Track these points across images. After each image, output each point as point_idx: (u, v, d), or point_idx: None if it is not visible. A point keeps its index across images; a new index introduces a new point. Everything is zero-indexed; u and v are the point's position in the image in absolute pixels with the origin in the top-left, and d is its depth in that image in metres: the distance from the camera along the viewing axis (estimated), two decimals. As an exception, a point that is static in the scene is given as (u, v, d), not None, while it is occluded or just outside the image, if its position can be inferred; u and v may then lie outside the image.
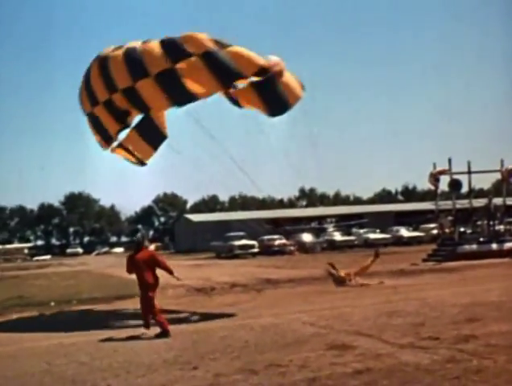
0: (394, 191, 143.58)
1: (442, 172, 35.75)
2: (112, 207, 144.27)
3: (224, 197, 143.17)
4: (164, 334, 13.29)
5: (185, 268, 41.39)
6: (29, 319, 18.23)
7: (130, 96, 15.75)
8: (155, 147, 17.34)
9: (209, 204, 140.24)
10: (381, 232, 67.00)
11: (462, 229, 35.46)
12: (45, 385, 9.23)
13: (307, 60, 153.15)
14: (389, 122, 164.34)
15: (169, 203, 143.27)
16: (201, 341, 12.40)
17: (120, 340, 13.11)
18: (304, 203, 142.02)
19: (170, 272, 14.75)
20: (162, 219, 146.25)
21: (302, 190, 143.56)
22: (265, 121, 17.14)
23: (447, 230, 36.38)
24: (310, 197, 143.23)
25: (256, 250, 57.00)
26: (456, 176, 35.85)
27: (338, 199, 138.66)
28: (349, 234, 67.98)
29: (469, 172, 35.67)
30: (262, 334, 12.83)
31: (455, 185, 35.95)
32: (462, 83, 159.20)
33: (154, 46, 15.63)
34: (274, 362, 9.85)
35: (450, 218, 36.62)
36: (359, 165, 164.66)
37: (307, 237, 63.58)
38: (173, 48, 15.41)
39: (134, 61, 15.60)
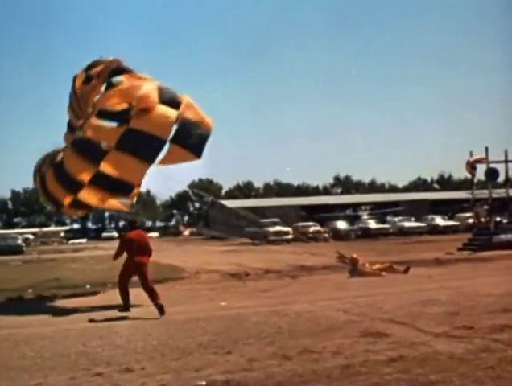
0: (429, 180, 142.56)
1: (479, 160, 35.51)
2: (148, 192, 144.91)
3: (259, 183, 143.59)
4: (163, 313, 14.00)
5: (219, 253, 41.60)
6: (64, 301, 18.41)
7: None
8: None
9: (244, 190, 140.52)
10: (416, 220, 66.62)
11: (498, 219, 35.16)
12: (80, 366, 9.31)
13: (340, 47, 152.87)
14: (426, 109, 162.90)
15: (204, 188, 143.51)
16: (235, 326, 12.44)
17: (154, 323, 13.20)
18: (339, 190, 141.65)
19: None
20: (196, 205, 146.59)
21: (337, 178, 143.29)
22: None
23: (482, 219, 36.15)
24: (345, 184, 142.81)
25: (290, 237, 56.91)
26: (492, 165, 35.56)
27: (373, 187, 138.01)
28: (384, 222, 67.62)
29: (506, 161, 35.33)
30: (295, 320, 12.85)
31: (491, 174, 35.65)
32: (500, 71, 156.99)
33: (71, 155, 16.17)
34: (307, 348, 9.86)
35: (486, 207, 36.34)
36: (395, 152, 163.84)
37: (341, 224, 63.61)
38: (89, 151, 16.08)
39: (65, 177, 16.60)
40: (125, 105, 16.10)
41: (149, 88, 16.20)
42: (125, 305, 14.83)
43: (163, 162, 16.03)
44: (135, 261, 14.91)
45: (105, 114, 16.36)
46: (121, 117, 16.19)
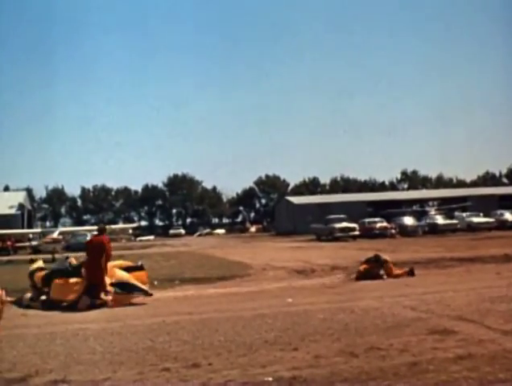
0: (498, 174, 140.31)
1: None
2: (214, 189, 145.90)
3: (325, 179, 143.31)
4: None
5: (286, 250, 41.68)
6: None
7: None
8: None
9: (310, 187, 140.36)
10: (485, 215, 65.65)
11: None
12: (148, 362, 9.44)
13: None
14: (492, 104, 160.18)
15: (270, 184, 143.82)
16: (301, 322, 12.46)
17: (221, 319, 13.29)
18: (406, 185, 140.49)
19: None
20: (263, 201, 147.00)
21: (404, 173, 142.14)
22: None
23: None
24: (412, 179, 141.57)
25: (357, 233, 56.65)
26: None
27: (440, 182, 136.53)
28: (452, 217, 66.83)
29: None
30: (362, 317, 12.80)
31: None
32: None
33: None
34: (374, 345, 9.84)
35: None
36: (463, 146, 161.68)
37: (408, 220, 63.14)
38: None
39: None
40: None
41: None
42: None
43: None
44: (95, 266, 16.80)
45: None
46: None
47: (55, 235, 51.14)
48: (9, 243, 58.02)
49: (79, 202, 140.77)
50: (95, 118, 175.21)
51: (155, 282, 21.96)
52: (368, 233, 57.54)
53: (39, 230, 60.42)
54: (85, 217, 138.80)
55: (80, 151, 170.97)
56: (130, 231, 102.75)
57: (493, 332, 10.49)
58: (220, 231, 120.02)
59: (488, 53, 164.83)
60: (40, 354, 10.30)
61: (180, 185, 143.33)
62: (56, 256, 41.95)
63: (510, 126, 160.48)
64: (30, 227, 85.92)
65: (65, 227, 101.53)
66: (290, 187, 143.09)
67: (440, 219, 64.22)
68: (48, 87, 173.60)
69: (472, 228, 60.39)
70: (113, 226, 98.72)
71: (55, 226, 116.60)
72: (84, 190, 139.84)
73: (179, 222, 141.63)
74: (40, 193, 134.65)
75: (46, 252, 43.23)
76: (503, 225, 61.28)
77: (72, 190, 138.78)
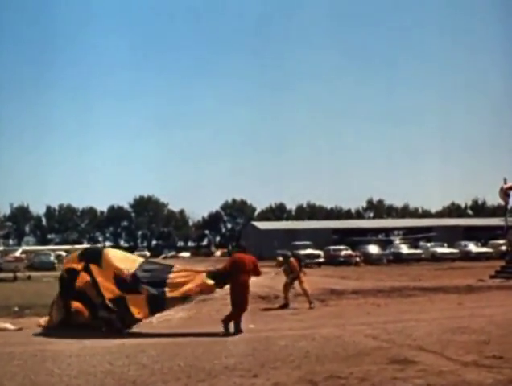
0: (463, 206, 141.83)
1: (512, 187, 35.20)
2: (181, 212, 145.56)
3: (291, 206, 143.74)
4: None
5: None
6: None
7: None
8: None
9: (277, 212, 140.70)
10: (449, 246, 66.41)
11: (532, 246, 34.79)
12: (106, 385, 9.34)
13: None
14: (460, 136, 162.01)
15: (237, 209, 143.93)
16: (262, 349, 12.40)
17: (181, 344, 13.19)
18: (372, 214, 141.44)
19: None
20: (229, 226, 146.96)
21: (370, 202, 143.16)
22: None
23: (515, 247, 35.77)
24: (378, 208, 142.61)
25: (321, 260, 56.84)
26: (527, 192, 35.23)
27: (406, 212, 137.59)
28: (416, 247, 67.58)
29: (541, 189, 35.00)
30: (323, 344, 12.77)
31: (525, 201, 35.34)
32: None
33: None
34: (334, 373, 9.81)
35: (519, 234, 35.99)
36: (429, 178, 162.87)
37: (373, 249, 63.56)
38: None
39: None
40: None
41: None
42: None
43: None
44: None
45: None
46: None
47: (17, 253, 50.61)
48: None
49: (44, 221, 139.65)
50: (60, 137, 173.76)
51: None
52: (333, 260, 57.87)
53: (0, 248, 59.70)
54: (50, 236, 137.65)
55: (46, 170, 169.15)
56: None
57: (453, 363, 10.51)
58: (186, 254, 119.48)
59: (455, 93, 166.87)
60: (-4, 375, 10.14)
61: (146, 206, 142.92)
62: (18, 274, 41.58)
63: (476, 159, 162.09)
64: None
65: (28, 246, 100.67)
66: (256, 212, 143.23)
67: (405, 249, 64.84)
68: (14, 105, 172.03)
69: (436, 258, 61.02)
70: (78, 246, 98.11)
71: (19, 244, 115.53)
72: (49, 209, 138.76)
73: (145, 244, 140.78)
74: (4, 210, 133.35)
75: (7, 271, 42.76)
76: (467, 256, 61.99)
77: (38, 209, 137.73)
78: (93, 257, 15.74)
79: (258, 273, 15.98)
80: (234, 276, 15.23)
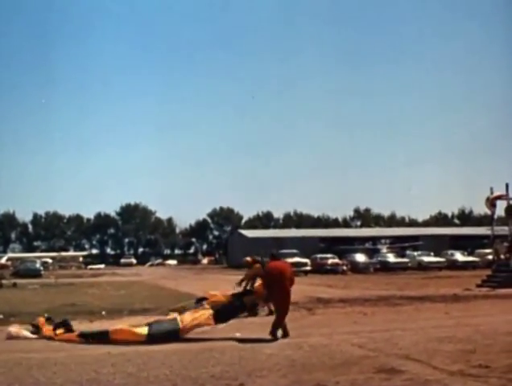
0: (450, 215, 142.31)
1: (499, 197, 35.35)
2: (169, 220, 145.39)
3: (278, 214, 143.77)
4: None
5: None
6: (80, 327, 18.35)
7: None
8: None
9: (264, 220, 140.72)
10: (436, 255, 66.63)
11: (518, 256, 34.82)
12: (92, 394, 9.31)
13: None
14: (447, 145, 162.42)
15: (224, 217, 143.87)
16: (248, 357, 12.36)
17: (168, 352, 13.14)
18: (359, 223, 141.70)
19: None
20: (216, 233, 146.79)
21: (357, 210, 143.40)
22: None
23: (502, 256, 35.81)
24: (365, 217, 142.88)
25: (308, 268, 56.81)
26: (513, 202, 35.38)
27: (393, 221, 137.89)
28: (403, 256, 67.75)
29: (527, 198, 35.15)
30: (310, 353, 12.75)
31: (511, 211, 35.46)
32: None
33: None
34: (320, 382, 9.79)
35: (506, 244, 36.04)
36: (416, 187, 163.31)
37: (360, 257, 63.65)
38: None
39: None
40: None
41: None
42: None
43: None
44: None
45: None
46: None
47: (3, 260, 50.54)
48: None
49: (30, 227, 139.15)
50: (48, 144, 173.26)
51: (103, 312, 21.72)
52: (319, 269, 57.90)
53: (-14, 255, 59.65)
54: (36, 243, 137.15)
55: (32, 176, 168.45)
56: (81, 259, 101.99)
57: (439, 372, 10.51)
58: (172, 262, 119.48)
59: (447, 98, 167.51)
60: (-20, 383, 10.08)
61: (133, 214, 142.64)
62: (3, 281, 41.37)
63: (463, 169, 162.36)
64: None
65: (14, 253, 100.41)
66: (243, 220, 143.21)
67: (392, 258, 65.05)
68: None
69: (422, 267, 61.09)
70: (64, 253, 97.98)
71: (4, 251, 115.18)
72: (35, 215, 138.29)
73: (131, 251, 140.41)
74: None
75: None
76: (453, 265, 62.18)
77: (24, 216, 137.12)
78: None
79: (293, 281, 16.02)
80: (277, 284, 15.40)
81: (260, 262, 21.52)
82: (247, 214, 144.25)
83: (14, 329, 16.03)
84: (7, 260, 51.81)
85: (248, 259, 21.82)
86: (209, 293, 17.54)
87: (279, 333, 14.96)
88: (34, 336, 15.84)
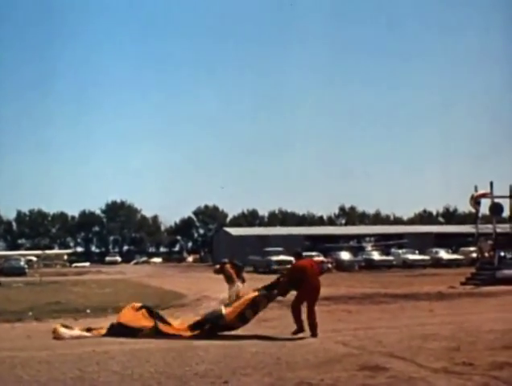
0: (434, 213, 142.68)
1: (483, 195, 35.50)
2: (155, 218, 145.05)
3: (263, 212, 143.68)
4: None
5: (221, 281, 41.42)
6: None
7: None
8: None
9: (249, 218, 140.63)
10: (420, 253, 66.83)
11: (502, 254, 35.02)
12: (76, 392, 9.29)
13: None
14: (433, 143, 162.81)
15: (209, 215, 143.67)
16: (233, 355, 12.38)
17: (152, 350, 13.13)
18: (344, 221, 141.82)
19: None
20: (201, 231, 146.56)
21: (342, 208, 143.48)
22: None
23: (486, 254, 36.02)
24: (350, 215, 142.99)
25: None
26: (497, 200, 35.56)
27: (378, 219, 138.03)
28: (388, 254, 67.87)
29: (511, 196, 35.32)
30: (294, 351, 12.79)
31: (496, 209, 35.66)
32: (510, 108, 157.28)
33: None
34: (304, 380, 9.82)
35: (490, 242, 36.25)
36: (400, 185, 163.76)
37: (345, 255, 63.65)
38: None
39: None
40: None
41: None
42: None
43: None
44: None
45: None
46: None
47: (-14, 258, 50.33)
48: None
49: (14, 225, 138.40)
50: (32, 141, 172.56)
51: (88, 310, 21.67)
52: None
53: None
54: (20, 241, 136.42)
55: (16, 174, 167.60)
56: (65, 257, 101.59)
57: (423, 370, 10.56)
58: (157, 259, 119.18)
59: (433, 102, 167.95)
60: (-37, 381, 10.04)
61: (118, 212, 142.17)
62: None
63: (447, 167, 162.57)
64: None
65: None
66: (228, 218, 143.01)
67: (376, 255, 65.04)
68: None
69: (407, 265, 61.23)
70: (48, 251, 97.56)
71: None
72: (19, 213, 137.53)
73: (116, 249, 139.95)
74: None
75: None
76: (438, 263, 62.25)
77: (8, 214, 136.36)
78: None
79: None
80: (307, 281, 15.64)
81: (237, 266, 21.74)
82: (232, 212, 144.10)
83: (67, 330, 15.65)
84: (-10, 258, 51.66)
85: (217, 266, 22.20)
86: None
87: (307, 332, 15.12)
88: (89, 334, 15.67)
